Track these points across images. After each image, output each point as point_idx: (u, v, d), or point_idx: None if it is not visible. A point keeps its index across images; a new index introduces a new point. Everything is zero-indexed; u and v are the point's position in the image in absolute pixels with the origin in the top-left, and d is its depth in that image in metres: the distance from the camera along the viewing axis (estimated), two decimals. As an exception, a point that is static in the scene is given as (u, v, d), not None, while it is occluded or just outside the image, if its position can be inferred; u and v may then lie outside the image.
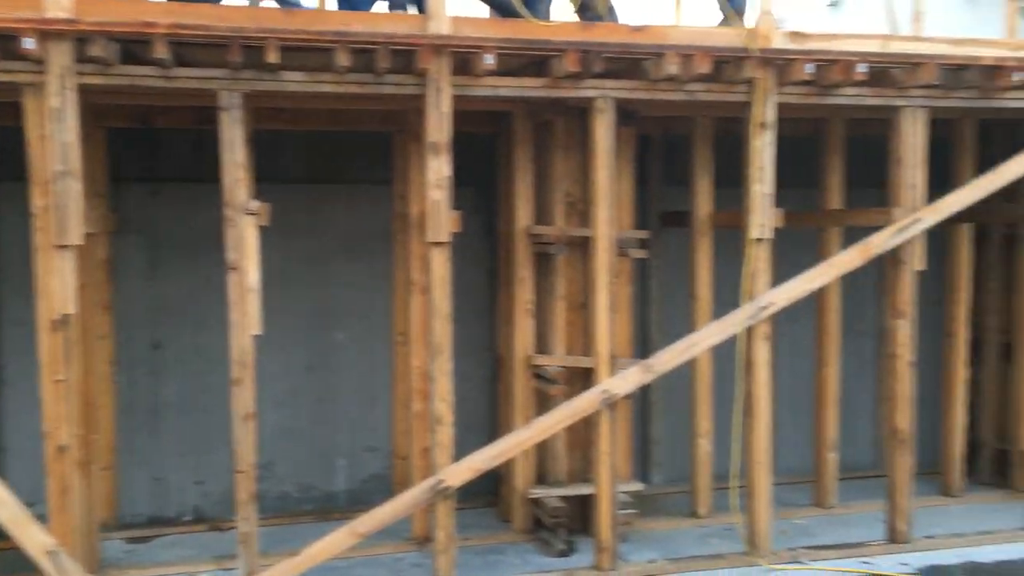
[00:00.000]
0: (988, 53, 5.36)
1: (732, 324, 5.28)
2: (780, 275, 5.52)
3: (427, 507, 4.98)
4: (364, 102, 5.26)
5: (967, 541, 5.54)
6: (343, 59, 4.45)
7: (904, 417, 5.49)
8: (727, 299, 5.59)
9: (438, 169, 4.73)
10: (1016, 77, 5.37)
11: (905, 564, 5.27)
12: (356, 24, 4.54)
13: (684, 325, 6.01)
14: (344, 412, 6.34)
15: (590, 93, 5.02)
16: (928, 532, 5.64)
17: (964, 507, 6.27)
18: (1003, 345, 6.69)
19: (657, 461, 6.85)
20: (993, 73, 5.35)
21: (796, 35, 5.21)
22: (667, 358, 5.23)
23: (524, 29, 4.82)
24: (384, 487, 6.18)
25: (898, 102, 5.41)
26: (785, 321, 6.90)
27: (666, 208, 6.70)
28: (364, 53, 4.56)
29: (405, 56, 4.62)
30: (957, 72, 5.37)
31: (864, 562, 5.29)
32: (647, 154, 6.70)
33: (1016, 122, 6.03)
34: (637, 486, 5.70)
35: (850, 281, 6.21)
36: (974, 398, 6.76)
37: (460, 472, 4.86)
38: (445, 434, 4.85)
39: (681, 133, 6.25)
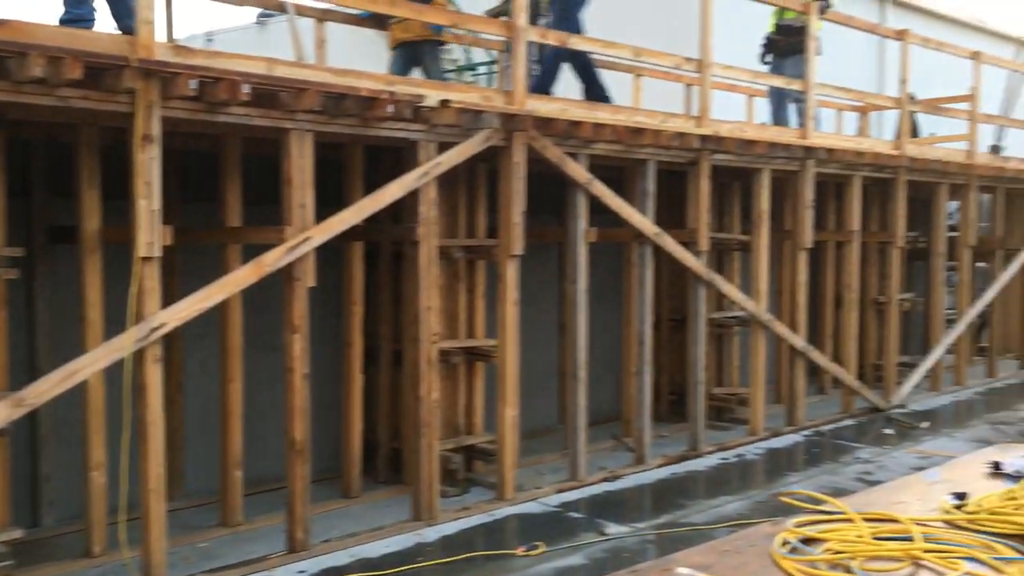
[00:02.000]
0: (365, 85, 5.81)
1: (119, 348, 4.99)
2: (186, 292, 5.39)
3: None
4: None
5: (359, 540, 5.93)
6: None
7: (300, 428, 5.70)
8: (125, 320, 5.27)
9: None
10: (390, 109, 5.90)
11: (303, 572, 5.45)
12: None
13: (79, 351, 5.54)
14: None
15: (-64, 91, 4.36)
16: (327, 536, 5.93)
17: (363, 506, 6.73)
18: (394, 352, 7.34)
19: (49, 500, 6.23)
20: (370, 103, 5.81)
21: (180, 49, 5.12)
22: (43, 389, 4.76)
23: None
24: None
25: (286, 125, 5.61)
26: (194, 339, 6.78)
27: (55, 222, 6.14)
28: None
29: None
30: (339, 100, 5.72)
31: (264, 576, 5.37)
32: (30, 162, 6.08)
33: (400, 148, 6.63)
34: (14, 534, 5.09)
35: (267, 297, 6.30)
36: (372, 403, 7.34)
37: None
38: None
39: (68, 141, 5.76)
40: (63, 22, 5.01)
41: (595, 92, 7.96)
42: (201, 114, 5.27)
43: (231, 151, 6.25)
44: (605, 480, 7.45)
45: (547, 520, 6.54)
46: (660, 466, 7.87)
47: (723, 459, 8.22)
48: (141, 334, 5.01)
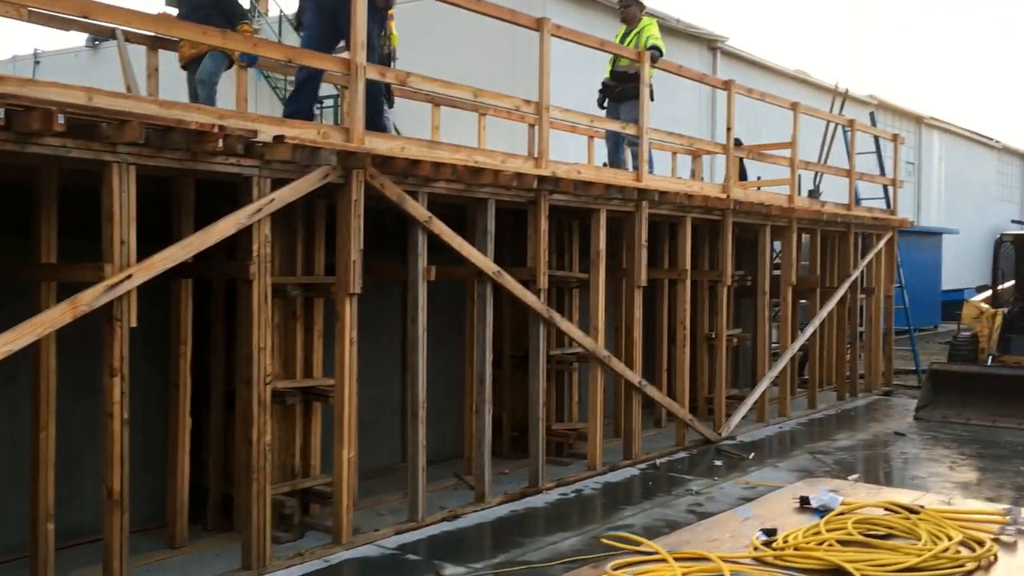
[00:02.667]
0: (194, 118, 5.62)
1: (-88, 395, 4.58)
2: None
3: None
4: None
5: (182, 592, 5.64)
6: None
7: (117, 477, 5.39)
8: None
9: None
10: (220, 144, 5.73)
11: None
12: None
13: None
14: None
15: None
16: (148, 589, 5.61)
17: (189, 557, 6.41)
18: (227, 394, 7.08)
19: None
20: (199, 137, 5.62)
21: (-12, 77, 4.81)
22: None
23: None
24: None
25: (107, 157, 5.35)
26: (3, 382, 6.33)
27: None
28: None
29: None
30: (165, 133, 5.51)
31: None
32: None
33: (231, 186, 6.43)
34: None
35: (89, 336, 5.94)
36: (202, 447, 7.03)
37: None
38: None
39: None
40: None
41: (374, 120, 7.42)
42: (10, 145, 4.95)
43: (46, 182, 5.89)
44: (445, 520, 7.40)
45: (384, 564, 6.42)
46: (501, 503, 7.89)
47: (562, 495, 8.33)
48: (-63, 380, 4.63)
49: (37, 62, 24.41)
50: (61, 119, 4.90)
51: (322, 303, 7.43)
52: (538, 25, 8.05)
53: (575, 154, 12.01)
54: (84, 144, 5.23)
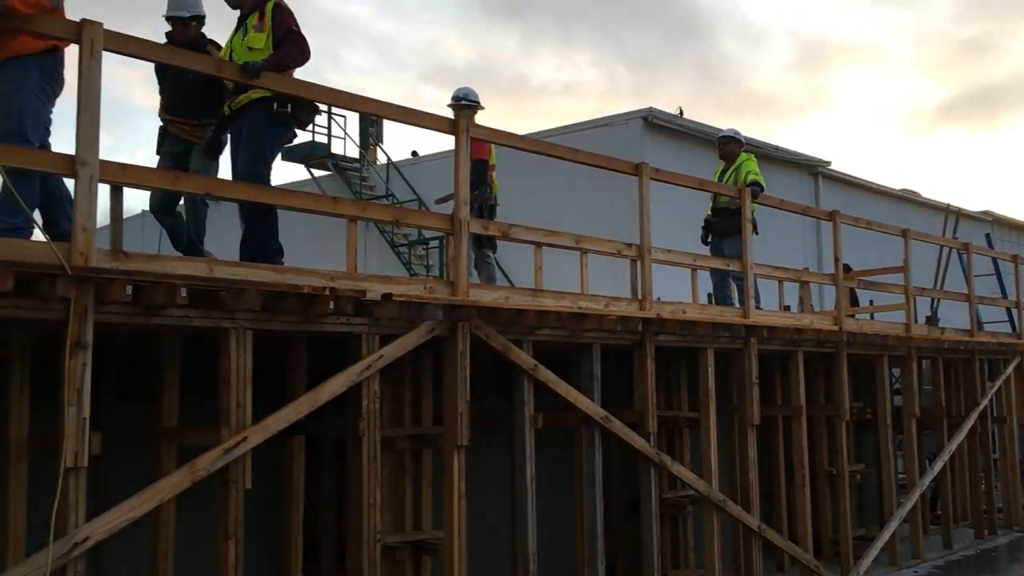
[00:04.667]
0: (306, 282, 5.84)
1: (39, 564, 4.71)
2: (116, 495, 5.17)
3: None
4: None
5: None
6: None
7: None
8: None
9: None
10: (331, 305, 5.91)
11: None
12: None
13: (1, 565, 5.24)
14: None
15: None
16: None
17: None
18: (338, 551, 7.04)
19: None
20: (311, 300, 5.82)
21: (118, 254, 5.11)
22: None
23: None
24: None
25: (225, 324, 5.57)
26: (125, 545, 6.45)
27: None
28: None
29: None
30: (280, 298, 5.72)
31: None
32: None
33: (341, 342, 6.59)
34: None
35: (204, 494, 6.05)
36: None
37: None
38: None
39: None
40: None
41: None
42: (138, 318, 5.22)
43: (169, 349, 6.17)
44: None
45: None
46: (617, 662, 7.52)
47: (682, 651, 7.88)
48: (62, 550, 4.76)
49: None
50: (184, 292, 5.16)
51: (430, 453, 7.43)
52: (636, 170, 8.16)
53: (679, 288, 11.93)
54: (205, 313, 5.47)
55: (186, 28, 6.85)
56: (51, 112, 5.27)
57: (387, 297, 6.25)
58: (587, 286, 8.31)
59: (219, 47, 6.94)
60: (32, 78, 5.12)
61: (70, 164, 4.88)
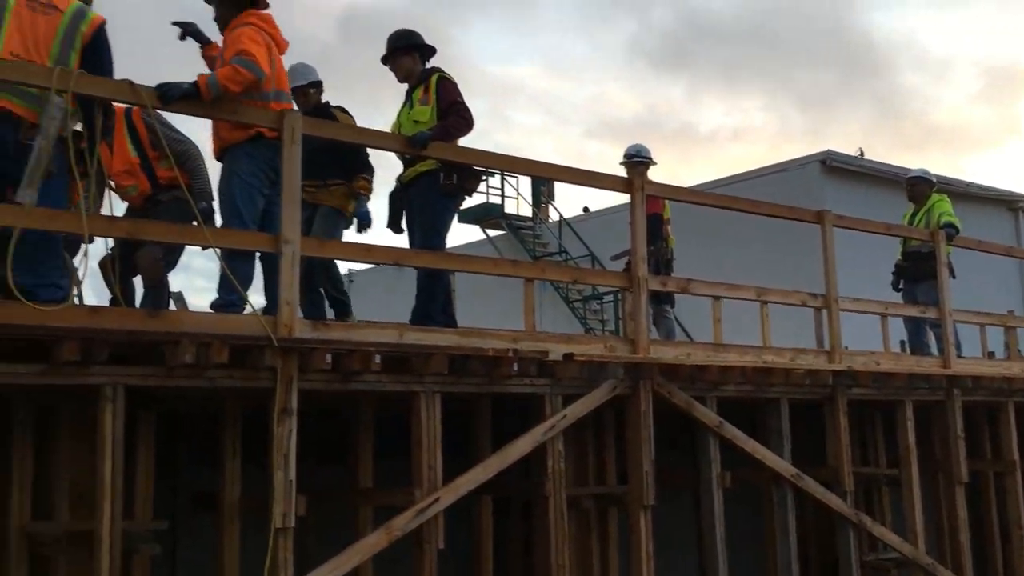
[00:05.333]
0: (490, 344, 5.98)
1: (252, 622, 4.99)
2: (318, 556, 5.42)
3: None
4: None
5: None
6: None
7: None
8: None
9: None
10: (515, 367, 6.03)
11: None
12: None
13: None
14: None
15: (96, 380, 4.72)
16: None
17: None
18: (527, 610, 7.06)
19: None
20: (495, 363, 5.95)
21: (318, 325, 5.43)
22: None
23: (18, 314, 4.46)
24: None
25: (415, 388, 5.78)
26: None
27: (199, 489, 6.38)
28: None
29: None
30: (465, 362, 5.88)
31: None
32: (179, 432, 6.41)
33: (524, 402, 6.68)
34: None
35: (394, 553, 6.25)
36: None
37: None
38: None
39: (213, 410, 6.08)
40: (215, 307, 5.41)
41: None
42: (336, 384, 5.50)
43: (363, 413, 6.44)
44: None
45: None
46: None
47: None
48: (273, 608, 5.01)
49: (350, 280, 27.35)
50: (378, 359, 5.40)
51: (616, 512, 7.36)
52: (819, 218, 7.91)
53: (868, 338, 11.38)
54: (396, 378, 5.70)
55: (307, 96, 7.05)
56: (264, 194, 5.58)
57: (569, 357, 6.30)
58: (769, 338, 8.09)
59: (346, 111, 7.10)
60: (241, 166, 5.55)
61: (275, 242, 5.26)
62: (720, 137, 65.50)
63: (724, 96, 65.11)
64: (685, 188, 7.48)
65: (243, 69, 5.21)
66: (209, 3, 5.78)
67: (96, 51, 4.99)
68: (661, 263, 8.84)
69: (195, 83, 5.07)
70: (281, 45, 5.72)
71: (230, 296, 5.36)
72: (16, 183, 4.68)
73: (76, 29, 4.92)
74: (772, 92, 68.20)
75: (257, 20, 5.62)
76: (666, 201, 8.93)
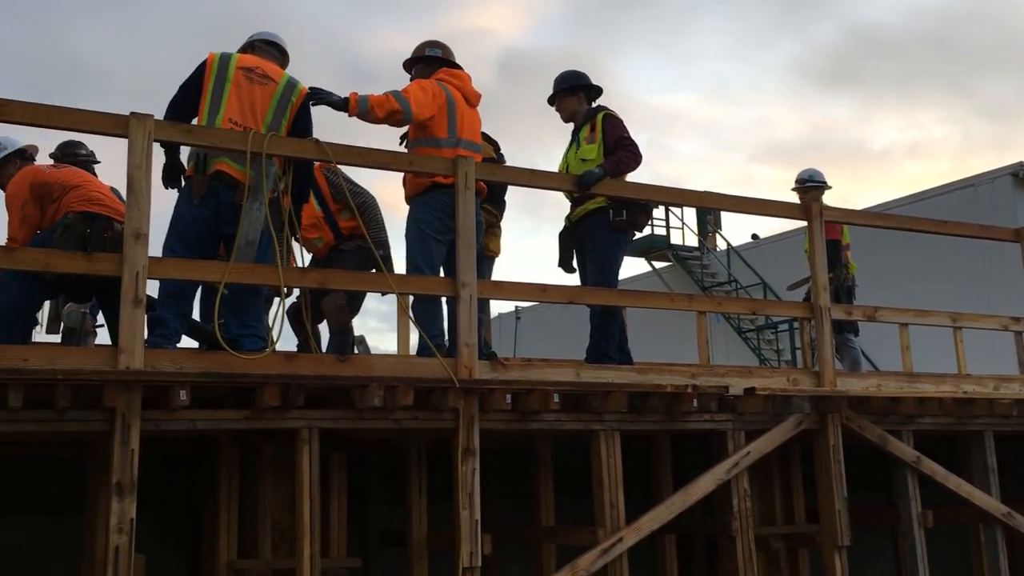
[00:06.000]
0: (668, 381, 5.90)
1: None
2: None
3: None
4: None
5: None
6: (15, 398, 4.17)
7: None
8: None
9: (121, 512, 4.38)
10: (694, 403, 5.91)
11: None
12: (35, 359, 4.32)
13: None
14: None
15: (295, 424, 4.96)
16: None
17: None
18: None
19: None
20: (674, 399, 5.86)
21: (496, 366, 5.51)
22: None
23: (224, 362, 4.77)
24: None
25: (595, 426, 5.76)
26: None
27: (388, 526, 6.58)
28: (44, 388, 4.30)
29: (92, 392, 4.40)
30: (644, 399, 5.82)
31: None
32: (367, 471, 6.64)
33: (704, 438, 6.53)
34: None
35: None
36: None
37: None
38: None
39: (400, 449, 6.27)
40: (424, 348, 5.59)
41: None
42: (516, 424, 5.56)
43: (542, 451, 6.48)
44: None
45: None
46: None
47: None
48: (465, 647, 5.08)
49: (518, 317, 27.64)
50: (556, 398, 5.42)
51: (807, 552, 7.04)
52: (1017, 236, 7.38)
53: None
54: (575, 416, 5.70)
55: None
56: (440, 241, 5.73)
57: (750, 391, 6.13)
58: (964, 366, 7.57)
59: (489, 139, 6.85)
60: (419, 214, 5.76)
61: (452, 286, 5.40)
62: (895, 154, 62.50)
63: (897, 111, 62.22)
64: (863, 212, 7.16)
65: (393, 99, 5.55)
66: (408, 72, 6.14)
67: (301, 118, 5.42)
68: (842, 291, 8.48)
69: (346, 98, 5.48)
70: (472, 98, 5.98)
71: (434, 332, 5.55)
72: (228, 240, 5.07)
73: (288, 99, 5.34)
74: (951, 103, 64.64)
75: (446, 76, 5.94)
76: (844, 227, 8.59)
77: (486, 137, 6.79)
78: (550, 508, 6.44)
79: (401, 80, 6.01)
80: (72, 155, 6.53)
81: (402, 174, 5.90)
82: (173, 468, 5.90)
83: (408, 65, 6.15)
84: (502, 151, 7.19)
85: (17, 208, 5.49)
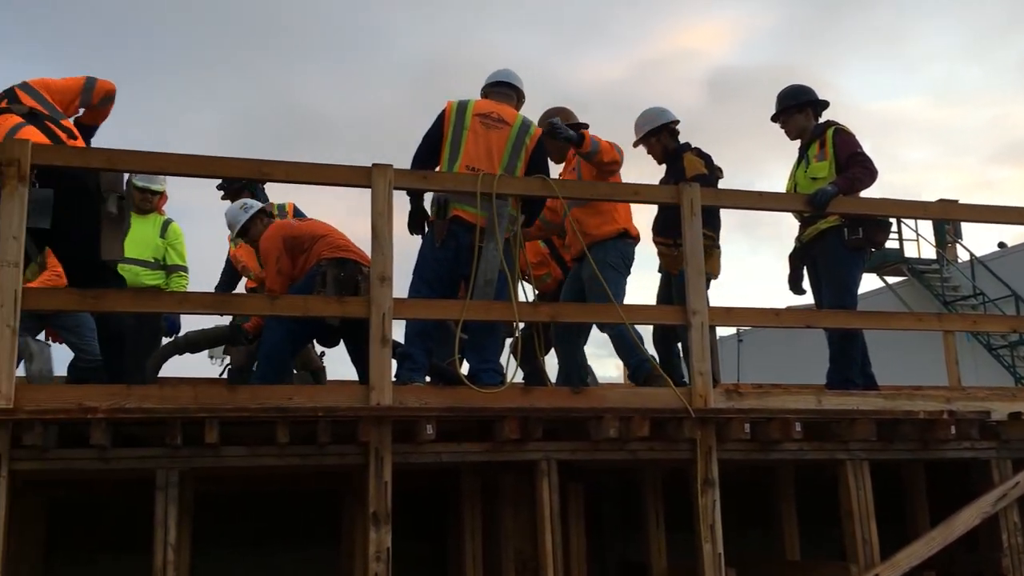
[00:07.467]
0: (920, 407, 5.51)
1: None
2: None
3: None
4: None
5: None
6: (283, 435, 4.51)
7: None
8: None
9: (378, 541, 4.62)
10: (953, 430, 5.49)
11: None
12: (298, 398, 4.66)
13: None
14: None
15: (533, 456, 5.05)
16: None
17: None
18: None
19: None
20: (928, 426, 5.47)
21: (732, 394, 5.37)
22: None
23: (465, 397, 4.94)
24: None
25: (840, 455, 5.48)
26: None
27: (623, 556, 6.54)
28: (305, 425, 4.63)
29: (347, 427, 4.69)
30: (894, 426, 5.47)
31: None
32: (602, 502, 6.64)
33: (965, 466, 6.05)
34: None
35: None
36: None
37: None
38: None
39: (635, 479, 6.23)
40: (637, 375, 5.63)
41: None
42: (756, 454, 5.38)
43: (784, 482, 6.23)
44: None
45: None
46: None
47: None
48: None
49: (740, 340, 26.74)
50: (798, 427, 5.20)
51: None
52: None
53: None
54: (818, 445, 5.44)
55: (657, 141, 6.62)
56: (624, 284, 6.09)
57: (1016, 416, 5.62)
58: None
59: (698, 152, 6.55)
60: (611, 257, 6.04)
61: (683, 314, 5.33)
62: None
63: None
64: None
65: (615, 151, 5.92)
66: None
67: (536, 159, 5.59)
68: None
69: (582, 135, 5.80)
70: None
71: (641, 358, 5.61)
72: (466, 280, 5.29)
73: (522, 141, 5.54)
74: None
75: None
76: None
77: (698, 152, 6.52)
78: (795, 541, 6.17)
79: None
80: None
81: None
82: (414, 498, 6.13)
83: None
84: (715, 162, 6.80)
85: (273, 261, 5.97)
